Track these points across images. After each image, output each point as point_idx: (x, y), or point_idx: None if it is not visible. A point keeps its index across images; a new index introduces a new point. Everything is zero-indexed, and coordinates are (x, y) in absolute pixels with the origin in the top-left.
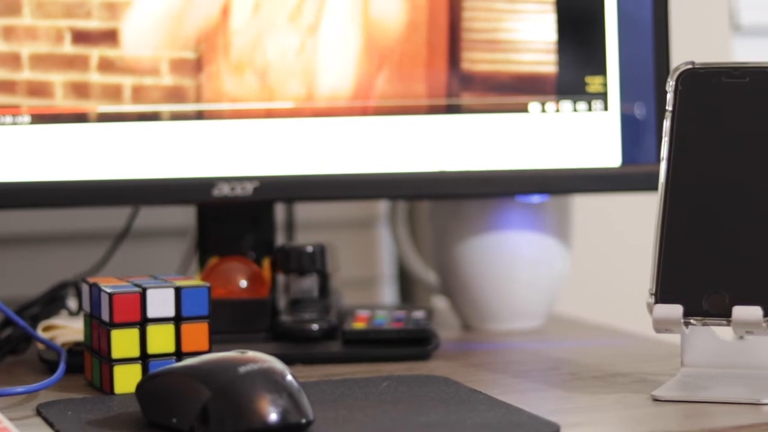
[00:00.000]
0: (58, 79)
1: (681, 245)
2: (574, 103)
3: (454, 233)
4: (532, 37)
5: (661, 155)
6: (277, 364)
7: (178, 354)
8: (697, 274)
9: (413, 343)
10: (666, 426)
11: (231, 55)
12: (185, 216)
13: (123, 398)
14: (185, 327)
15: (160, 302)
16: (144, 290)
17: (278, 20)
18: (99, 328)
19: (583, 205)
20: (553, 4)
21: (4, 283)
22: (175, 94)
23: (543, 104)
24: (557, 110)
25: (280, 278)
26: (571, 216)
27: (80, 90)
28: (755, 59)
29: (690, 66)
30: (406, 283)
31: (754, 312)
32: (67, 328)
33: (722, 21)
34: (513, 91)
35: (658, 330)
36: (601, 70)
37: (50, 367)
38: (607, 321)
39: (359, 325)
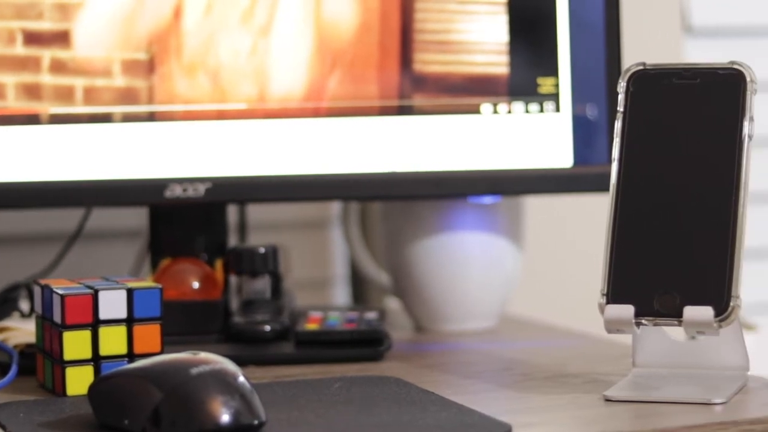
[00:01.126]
0: (9, 80)
1: (632, 246)
2: (526, 104)
3: (406, 234)
4: (484, 38)
5: (613, 156)
6: (229, 365)
7: (131, 356)
8: (648, 275)
9: (366, 344)
10: (617, 426)
11: (183, 56)
12: (138, 217)
13: (75, 400)
14: (137, 329)
15: (112, 304)
16: (96, 292)
17: (230, 21)
18: (51, 330)
19: (535, 205)
20: (505, 6)
21: None
22: (127, 96)
23: (495, 105)
24: (509, 111)
25: (233, 279)
26: (523, 217)
27: (32, 91)
28: (707, 60)
29: (641, 67)
30: (359, 284)
31: (705, 312)
32: (19, 330)
33: (674, 22)
34: (465, 92)
35: (609, 330)
36: (552, 71)
37: (2, 369)
38: (559, 321)
39: (312, 326)
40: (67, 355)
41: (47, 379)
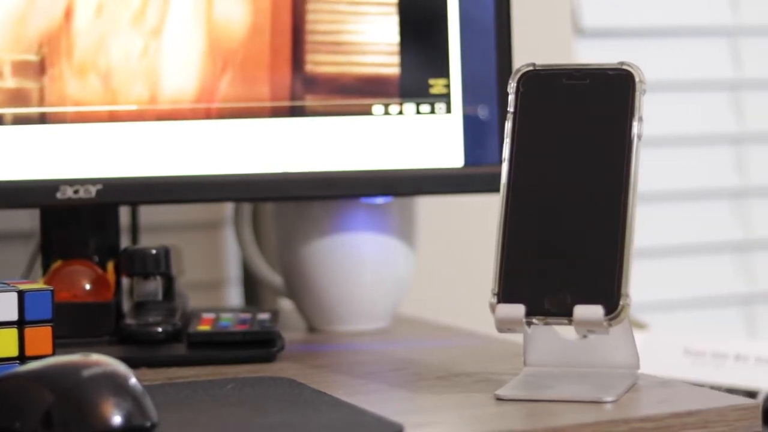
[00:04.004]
0: None
1: (523, 245)
2: (417, 105)
3: (298, 235)
4: (375, 39)
5: (503, 156)
6: (120, 367)
7: (22, 358)
8: (539, 274)
9: (258, 345)
10: (508, 425)
11: (74, 57)
12: (30, 219)
13: None
14: (28, 331)
15: (3, 306)
16: None
17: (121, 23)
18: None
19: (427, 206)
20: (396, 6)
21: None
22: (17, 97)
23: (386, 106)
24: (400, 112)
25: (125, 281)
26: (415, 217)
27: None
28: (597, 61)
29: (531, 68)
30: (252, 285)
31: (595, 311)
32: None
33: (564, 23)
34: (356, 93)
35: (500, 330)
36: (444, 72)
37: None
38: (451, 321)
39: (204, 327)
40: None
41: None
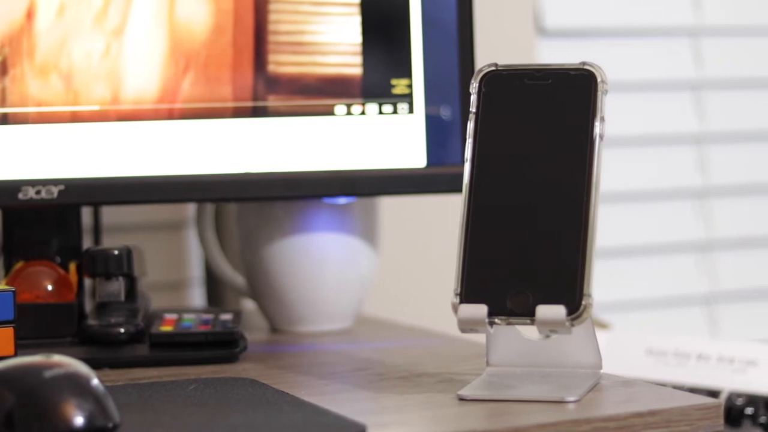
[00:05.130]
0: None
1: (485, 245)
2: (380, 105)
3: (261, 235)
4: (337, 39)
5: (465, 156)
6: (82, 368)
7: None
8: (501, 274)
9: (221, 345)
10: (471, 425)
11: (36, 58)
12: None
13: None
14: None
15: None
16: None
17: (83, 23)
18: None
19: (390, 206)
20: (359, 7)
21: None
22: None
23: (349, 106)
24: (363, 112)
25: (87, 282)
26: (378, 217)
27: None
28: (559, 61)
29: (493, 68)
30: (214, 286)
31: (557, 311)
32: None
33: (527, 23)
34: (319, 93)
35: (463, 330)
36: (406, 72)
37: None
38: (414, 321)
39: (166, 328)
40: None
41: None
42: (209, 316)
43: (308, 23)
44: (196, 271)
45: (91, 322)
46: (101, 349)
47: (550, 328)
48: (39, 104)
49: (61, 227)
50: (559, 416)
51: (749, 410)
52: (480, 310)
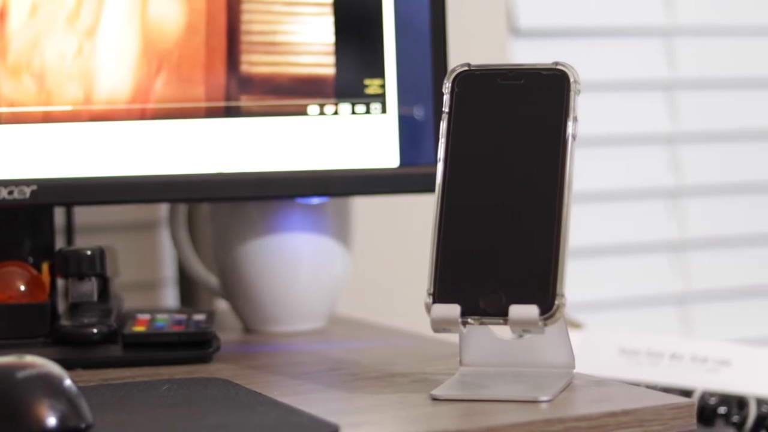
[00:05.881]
0: None
1: (458, 245)
2: (353, 105)
3: (234, 235)
4: (310, 39)
5: (438, 156)
6: (55, 368)
7: None
8: (474, 274)
9: (194, 346)
10: (444, 425)
11: (8, 58)
12: None
13: None
14: None
15: None
16: None
17: (56, 23)
18: None
19: (363, 206)
20: (331, 7)
21: None
22: None
23: (322, 106)
24: (336, 112)
25: (60, 282)
26: (351, 217)
27: None
28: (533, 61)
29: (466, 68)
30: (188, 286)
31: (530, 311)
32: None
33: (500, 23)
34: (292, 93)
35: (436, 330)
36: (379, 72)
37: None
38: (388, 321)
39: (139, 328)
40: None
41: None
42: (182, 317)
43: (281, 23)
44: (169, 271)
45: (64, 322)
46: (74, 350)
47: (523, 327)
48: (11, 104)
49: (34, 227)
50: (532, 416)
51: (722, 410)
52: (453, 310)
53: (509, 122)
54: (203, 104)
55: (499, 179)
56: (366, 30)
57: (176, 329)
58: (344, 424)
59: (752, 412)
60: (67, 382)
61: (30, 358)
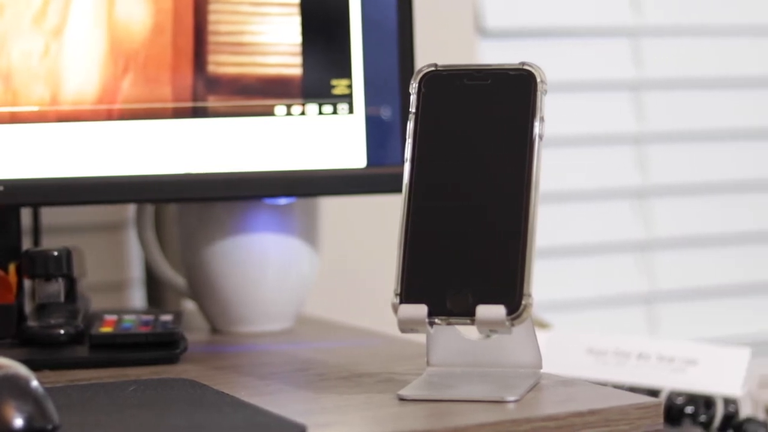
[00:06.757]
0: None
1: (425, 246)
2: (320, 105)
3: (201, 236)
4: (277, 39)
5: (405, 157)
6: (21, 369)
7: None
8: (441, 275)
9: (161, 346)
10: (411, 425)
11: None
12: None
13: None
14: None
15: None
16: None
17: (22, 23)
18: None
19: (330, 206)
20: (298, 7)
21: None
22: None
23: (289, 107)
24: (303, 113)
25: (27, 283)
26: (319, 217)
27: None
28: (500, 61)
29: (433, 68)
30: (155, 286)
31: (497, 311)
32: None
33: (467, 23)
34: (259, 93)
35: (403, 330)
36: (346, 72)
37: None
38: (355, 322)
39: (106, 329)
40: None
41: None
42: (149, 317)
43: (248, 23)
44: (136, 271)
45: (31, 323)
46: (41, 351)
47: (490, 327)
48: None
49: (1, 228)
50: (499, 416)
51: (689, 409)
52: (420, 310)
53: (476, 122)
54: (170, 105)
55: (466, 179)
56: (333, 30)
57: (143, 330)
58: (311, 424)
59: (719, 412)
60: (34, 383)
61: None
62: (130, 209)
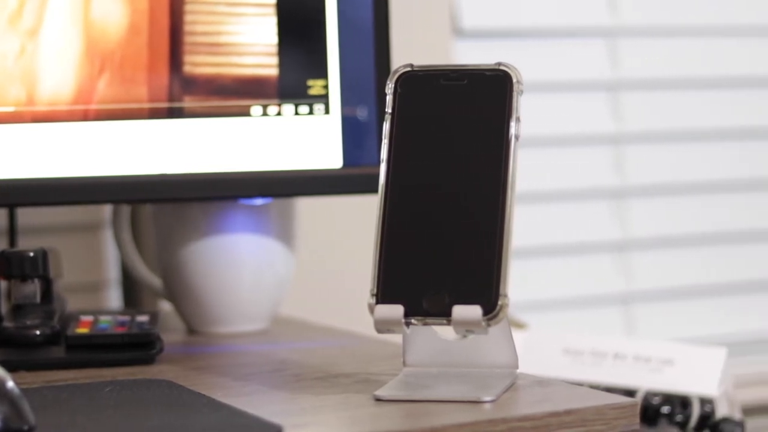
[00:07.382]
0: None
1: (401, 246)
2: (296, 106)
3: (177, 236)
4: (253, 40)
5: (382, 157)
6: None
7: None
8: (417, 275)
9: (137, 347)
10: (387, 425)
11: None
12: None
13: None
14: None
15: None
16: None
17: None
18: None
19: (306, 206)
20: (274, 7)
21: None
22: None
23: (265, 107)
24: (279, 113)
25: (3, 284)
26: (295, 218)
27: None
28: (476, 62)
29: (409, 68)
30: (131, 287)
31: (473, 311)
32: None
33: (443, 24)
34: (235, 94)
35: (379, 330)
36: (322, 73)
37: None
38: (331, 322)
39: (82, 330)
40: None
41: None
42: (126, 318)
43: (224, 24)
44: (112, 272)
45: (7, 324)
46: (17, 351)
47: (467, 328)
48: None
49: None
50: (475, 416)
51: (665, 409)
52: (396, 310)
53: (452, 123)
54: (146, 105)
55: (442, 180)
56: (309, 31)
57: (119, 331)
58: (288, 425)
59: (695, 412)
60: (10, 383)
61: None
62: (107, 210)
